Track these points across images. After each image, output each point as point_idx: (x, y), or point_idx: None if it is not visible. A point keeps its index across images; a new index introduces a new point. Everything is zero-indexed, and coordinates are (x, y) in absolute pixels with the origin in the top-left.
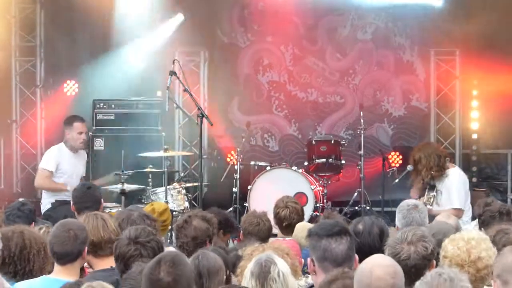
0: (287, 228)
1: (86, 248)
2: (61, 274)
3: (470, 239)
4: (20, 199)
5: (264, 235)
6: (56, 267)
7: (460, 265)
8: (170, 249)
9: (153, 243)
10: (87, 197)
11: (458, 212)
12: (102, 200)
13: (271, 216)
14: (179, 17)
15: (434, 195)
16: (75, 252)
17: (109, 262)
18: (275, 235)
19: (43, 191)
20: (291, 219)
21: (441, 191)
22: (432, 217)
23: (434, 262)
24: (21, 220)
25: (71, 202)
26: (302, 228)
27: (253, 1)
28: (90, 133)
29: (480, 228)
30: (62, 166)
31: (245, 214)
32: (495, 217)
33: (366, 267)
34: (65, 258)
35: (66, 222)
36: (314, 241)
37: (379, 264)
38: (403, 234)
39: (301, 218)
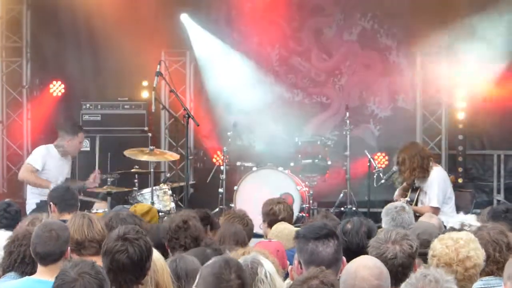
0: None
1: (69, 247)
2: (44, 275)
3: (458, 238)
4: (6, 200)
5: (252, 235)
6: (39, 267)
7: (449, 263)
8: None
9: (141, 241)
10: (70, 196)
11: (435, 211)
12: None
13: (252, 216)
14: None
15: (407, 201)
16: (58, 252)
17: None
18: (261, 236)
19: (28, 191)
20: (286, 213)
21: (425, 192)
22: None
23: (417, 262)
24: (7, 222)
25: (52, 203)
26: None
27: (240, 2)
28: None
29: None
30: (48, 167)
31: (225, 216)
32: None
33: (351, 268)
34: (48, 258)
35: (48, 222)
36: (301, 244)
37: (364, 265)
38: (386, 234)
39: (292, 215)
